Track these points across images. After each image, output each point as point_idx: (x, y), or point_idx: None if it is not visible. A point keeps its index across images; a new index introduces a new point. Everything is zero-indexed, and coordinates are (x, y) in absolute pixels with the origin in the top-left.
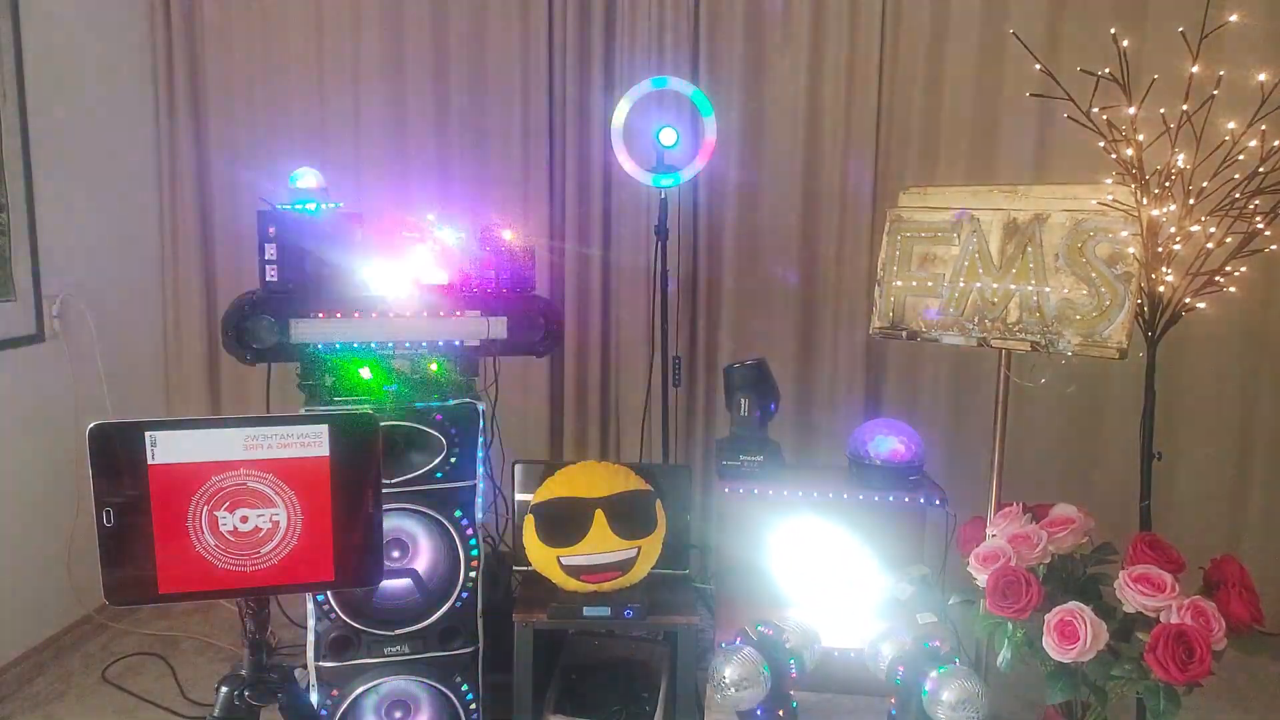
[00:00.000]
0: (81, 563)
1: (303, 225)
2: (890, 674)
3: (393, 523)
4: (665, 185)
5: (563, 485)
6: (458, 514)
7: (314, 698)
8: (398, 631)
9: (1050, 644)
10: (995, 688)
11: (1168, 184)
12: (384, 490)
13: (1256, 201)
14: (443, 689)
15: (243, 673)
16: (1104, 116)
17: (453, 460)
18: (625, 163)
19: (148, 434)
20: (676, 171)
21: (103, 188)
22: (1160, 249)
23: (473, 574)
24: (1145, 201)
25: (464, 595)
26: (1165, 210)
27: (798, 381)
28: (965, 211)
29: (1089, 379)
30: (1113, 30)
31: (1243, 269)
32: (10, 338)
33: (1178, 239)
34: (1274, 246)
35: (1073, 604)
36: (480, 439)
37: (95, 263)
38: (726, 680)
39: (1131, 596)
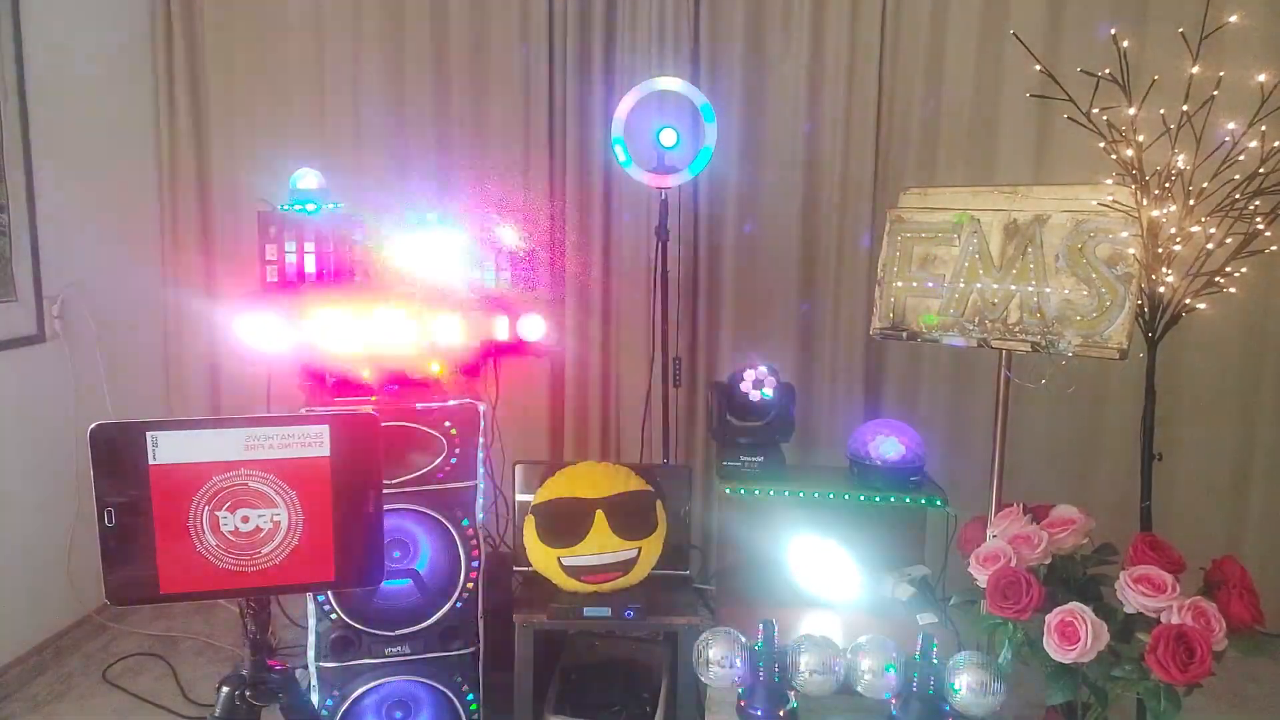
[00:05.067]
0: (82, 563)
1: (304, 225)
2: (871, 689)
3: (393, 523)
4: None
5: (563, 486)
6: (458, 514)
7: (315, 698)
8: (398, 632)
9: (1051, 645)
10: None
11: (1168, 185)
12: (385, 490)
13: (1257, 202)
14: (443, 689)
15: (244, 673)
16: (1104, 117)
17: (453, 461)
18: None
19: (149, 434)
20: (677, 171)
21: (103, 187)
22: (1160, 250)
23: (473, 574)
24: (1145, 202)
25: (464, 596)
26: (1165, 211)
27: (798, 382)
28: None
29: (1089, 380)
30: (1113, 31)
31: (1243, 270)
32: (11, 338)
33: (1178, 240)
34: (1274, 247)
35: (1073, 605)
36: (481, 439)
37: (96, 263)
38: (710, 659)
39: (1132, 597)
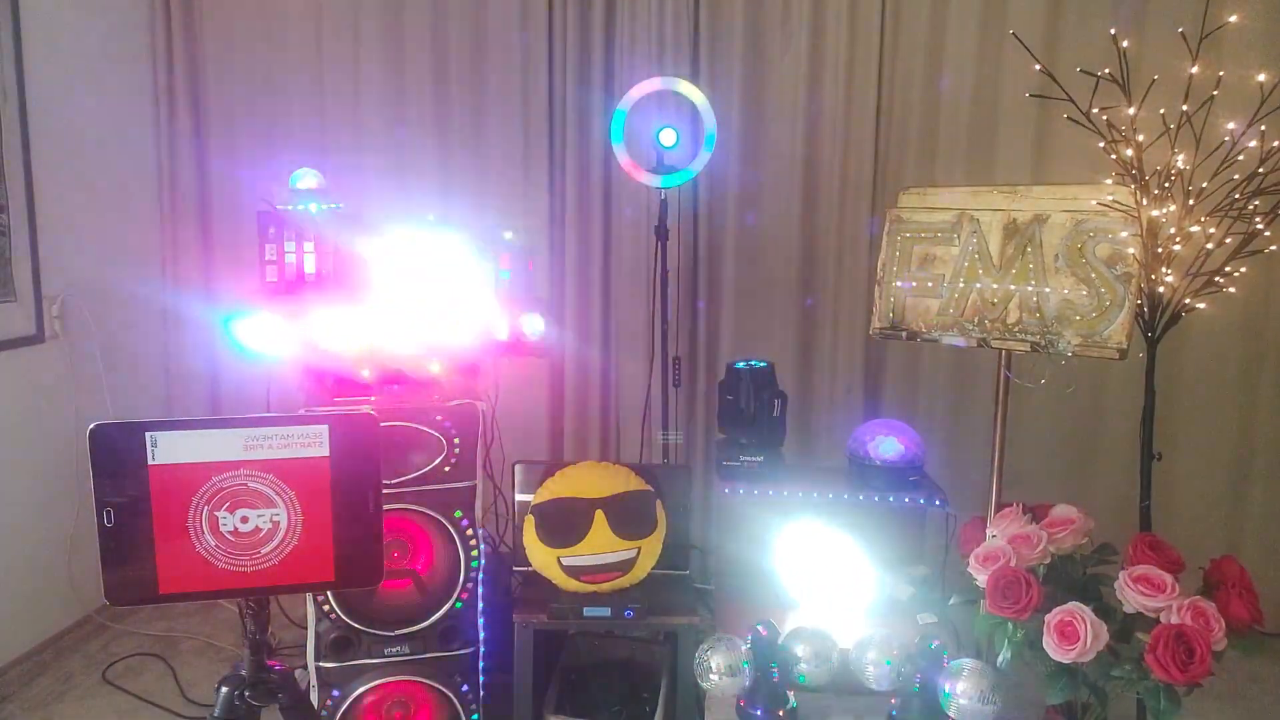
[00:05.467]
0: (82, 563)
1: (303, 225)
2: (878, 680)
3: (393, 523)
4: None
5: (563, 485)
6: (458, 514)
7: (315, 698)
8: (398, 632)
9: (1050, 644)
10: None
11: (1167, 184)
12: (384, 490)
13: (1256, 202)
14: (443, 689)
15: (243, 673)
16: (1104, 117)
17: (453, 460)
18: (623, 159)
19: (148, 434)
20: (676, 171)
21: (103, 188)
22: (1160, 249)
23: (473, 574)
24: (1145, 202)
25: (464, 596)
26: (1165, 211)
27: (798, 382)
28: None
29: (1089, 379)
30: (1112, 30)
31: (1242, 269)
32: (10, 338)
33: (1177, 239)
34: (1274, 247)
35: (1073, 604)
36: (480, 439)
37: (95, 263)
38: (711, 668)
39: (1131, 597)
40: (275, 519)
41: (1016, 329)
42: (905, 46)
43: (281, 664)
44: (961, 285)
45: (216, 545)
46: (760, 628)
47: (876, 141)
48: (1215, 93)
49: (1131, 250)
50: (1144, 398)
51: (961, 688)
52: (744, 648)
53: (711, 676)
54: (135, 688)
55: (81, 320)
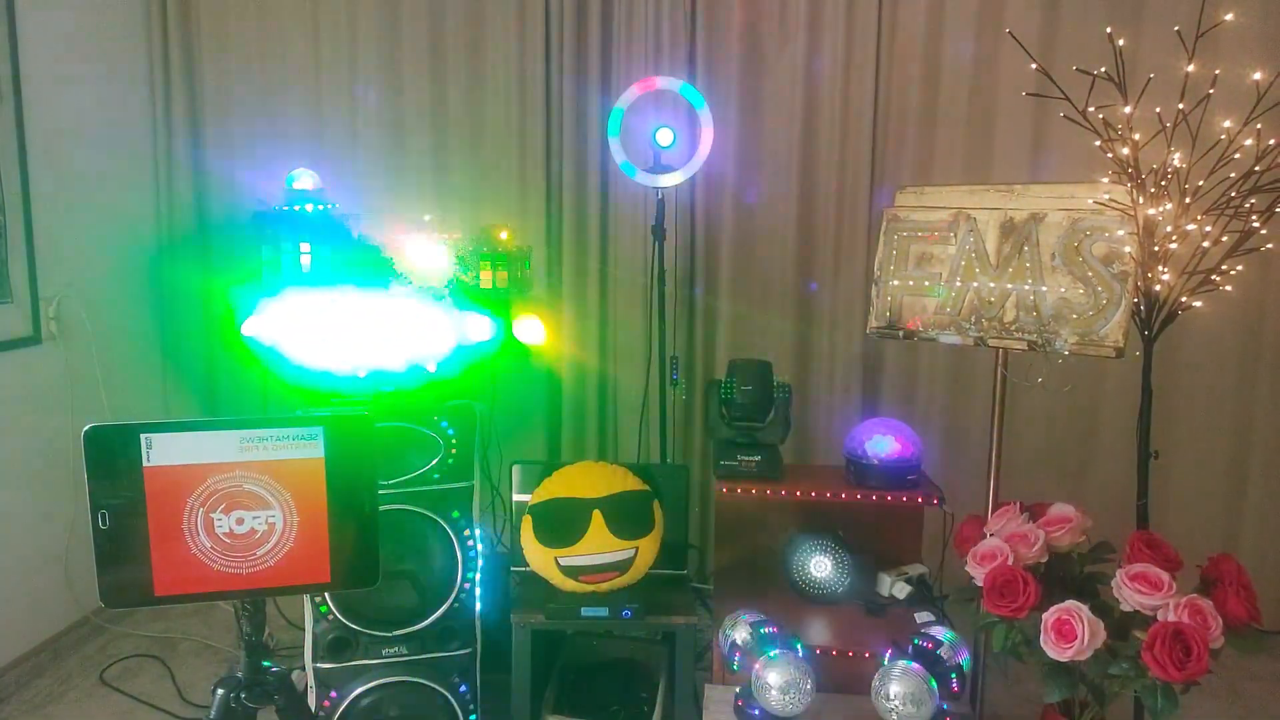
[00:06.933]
0: (79, 565)
1: (300, 225)
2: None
3: (389, 523)
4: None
5: (560, 486)
6: (455, 514)
7: (312, 699)
8: (395, 633)
9: (1048, 643)
10: (994, 687)
11: (1164, 183)
12: (381, 491)
13: (1252, 200)
14: (441, 690)
15: (239, 675)
16: (1100, 115)
17: (450, 461)
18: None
19: (143, 436)
20: (673, 171)
21: (100, 189)
22: (1156, 248)
23: (470, 575)
24: (1141, 200)
25: (462, 596)
26: (1161, 209)
27: (795, 381)
28: None
29: (1086, 378)
30: (1108, 29)
31: (1239, 268)
32: (7, 339)
33: (1174, 238)
34: (1269, 245)
35: (1070, 603)
36: (477, 439)
37: (92, 264)
38: (771, 684)
39: (1129, 595)
40: (271, 520)
41: (1013, 328)
42: (902, 45)
43: (278, 665)
44: (959, 284)
45: (212, 547)
46: (768, 628)
47: (874, 139)
48: (1211, 91)
49: (1128, 249)
50: (1141, 396)
51: (894, 690)
52: (799, 658)
53: (772, 693)
54: (132, 689)
55: (78, 321)
